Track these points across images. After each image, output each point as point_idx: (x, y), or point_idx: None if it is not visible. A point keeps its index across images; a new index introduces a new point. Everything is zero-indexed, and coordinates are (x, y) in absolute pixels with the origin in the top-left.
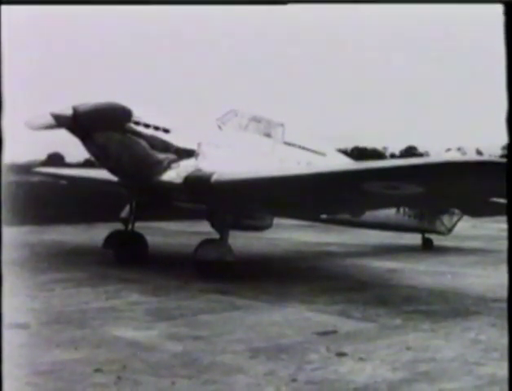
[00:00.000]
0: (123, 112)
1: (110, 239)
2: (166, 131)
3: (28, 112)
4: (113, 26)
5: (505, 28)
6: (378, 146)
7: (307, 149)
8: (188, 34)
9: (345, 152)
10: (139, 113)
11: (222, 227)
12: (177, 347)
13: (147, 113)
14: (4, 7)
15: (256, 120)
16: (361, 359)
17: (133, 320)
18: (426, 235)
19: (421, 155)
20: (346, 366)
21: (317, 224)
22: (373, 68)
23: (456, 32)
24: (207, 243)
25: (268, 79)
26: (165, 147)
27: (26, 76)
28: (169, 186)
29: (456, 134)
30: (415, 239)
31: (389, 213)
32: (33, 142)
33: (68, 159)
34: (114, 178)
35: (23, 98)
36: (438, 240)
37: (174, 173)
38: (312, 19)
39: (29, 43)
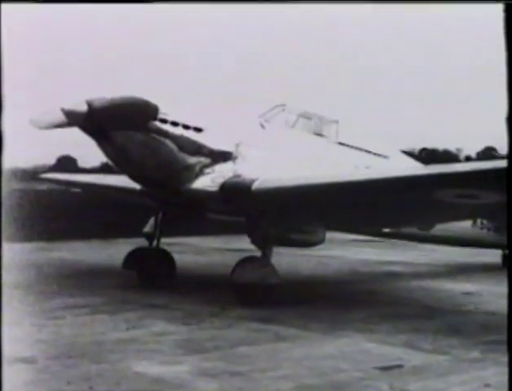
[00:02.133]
0: (147, 108)
1: (131, 258)
2: (198, 130)
3: (31, 112)
4: (116, 24)
5: (505, 28)
6: (451, 147)
7: (366, 151)
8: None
9: (411, 154)
10: (165, 109)
11: (265, 243)
12: (211, 385)
13: (175, 109)
14: (4, 7)
15: (306, 116)
16: None
17: (158, 353)
18: (507, 252)
19: (501, 157)
20: None
21: (378, 239)
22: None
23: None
24: (247, 262)
25: (320, 74)
26: (197, 148)
27: (26, 76)
28: (202, 194)
29: None
30: (494, 256)
31: (464, 226)
32: (40, 144)
33: (82, 163)
34: (136, 186)
35: (25, 98)
36: None
37: (208, 180)
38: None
39: (29, 43)
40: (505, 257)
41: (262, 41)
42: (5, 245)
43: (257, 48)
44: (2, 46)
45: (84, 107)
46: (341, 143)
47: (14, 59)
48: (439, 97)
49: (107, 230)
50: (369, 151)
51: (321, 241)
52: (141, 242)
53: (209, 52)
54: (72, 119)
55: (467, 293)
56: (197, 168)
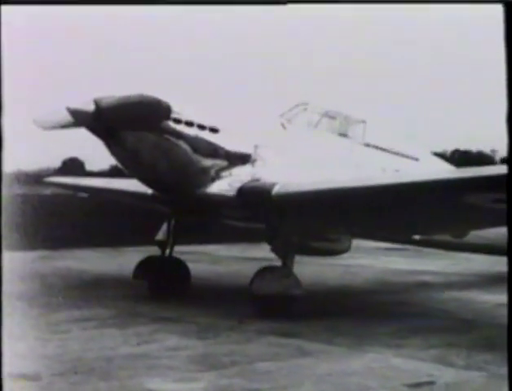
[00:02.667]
0: (159, 107)
1: (142, 268)
2: (214, 131)
3: (33, 112)
4: (116, 25)
5: (505, 28)
6: (485, 148)
7: (395, 152)
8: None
9: (443, 156)
10: (179, 108)
11: (286, 252)
12: None
13: (189, 108)
14: (4, 7)
15: (330, 116)
16: None
17: (172, 370)
18: None
19: None
20: None
21: (408, 247)
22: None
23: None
24: (266, 272)
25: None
26: (213, 150)
27: (27, 76)
28: (219, 199)
29: None
30: None
31: (500, 233)
32: (44, 146)
33: (89, 166)
34: (147, 190)
35: (26, 99)
36: None
37: (225, 184)
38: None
39: (29, 43)
40: None
41: (281, 39)
42: (6, 254)
43: (276, 46)
44: (2, 45)
45: (91, 107)
46: (367, 145)
47: (14, 59)
48: (470, 97)
49: (116, 238)
50: (398, 153)
51: (347, 249)
52: (153, 250)
53: (225, 50)
54: (79, 119)
55: (504, 305)
56: (213, 171)
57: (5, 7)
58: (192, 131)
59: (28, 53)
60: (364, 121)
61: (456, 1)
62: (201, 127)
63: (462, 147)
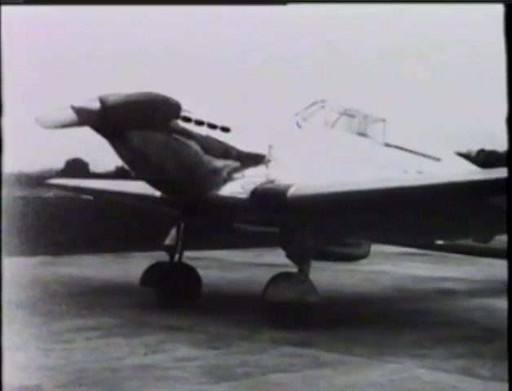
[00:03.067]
0: (167, 105)
1: (150, 274)
2: (226, 130)
3: (35, 111)
4: (117, 25)
5: (505, 28)
6: None
7: (417, 153)
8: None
9: (468, 157)
10: (188, 106)
11: (302, 257)
12: None
13: (199, 107)
14: (4, 7)
15: (349, 114)
16: None
17: (181, 381)
18: None
19: None
20: None
21: (430, 252)
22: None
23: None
24: (281, 278)
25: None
26: (225, 150)
27: (27, 76)
28: (231, 202)
29: None
30: None
31: None
32: (46, 146)
33: (94, 167)
34: (156, 193)
35: (26, 98)
36: None
37: (237, 186)
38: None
39: (30, 43)
40: None
41: (296, 36)
42: (6, 259)
43: (292, 42)
44: (2, 45)
45: (97, 104)
46: (388, 145)
47: (14, 59)
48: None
49: (122, 243)
50: (420, 154)
51: (365, 255)
52: (161, 256)
53: (238, 47)
54: (84, 117)
55: None
56: (225, 172)
57: (5, 7)
58: (203, 130)
59: (29, 53)
60: (384, 120)
61: (456, 1)
62: (212, 126)
63: (488, 147)
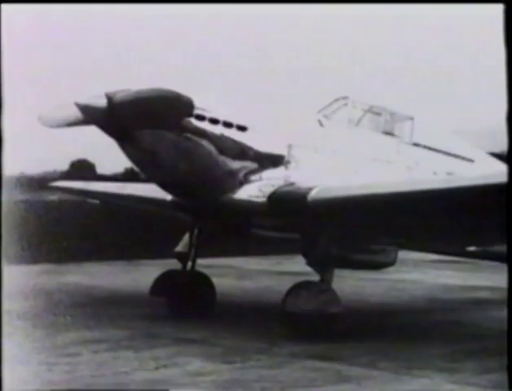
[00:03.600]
0: (179, 102)
1: (161, 283)
2: (242, 129)
3: (35, 110)
4: (117, 24)
5: (505, 28)
6: None
7: (447, 153)
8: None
9: (501, 157)
10: (202, 104)
11: (324, 265)
12: None
13: (214, 104)
14: (4, 7)
15: (374, 111)
16: None
17: None
18: None
19: None
20: None
21: (462, 259)
22: None
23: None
24: (302, 288)
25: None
26: (241, 151)
27: (27, 77)
28: (247, 206)
29: None
30: None
31: None
32: (50, 146)
33: (101, 169)
34: (167, 196)
35: (28, 97)
36: None
37: (255, 189)
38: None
39: (30, 43)
40: None
41: (317, 31)
42: (6, 268)
43: (312, 38)
44: (2, 46)
45: (103, 101)
46: (416, 144)
47: (14, 59)
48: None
49: (131, 250)
50: (450, 154)
51: (392, 262)
52: (173, 264)
53: (256, 42)
54: (90, 115)
55: None
56: (241, 174)
57: (5, 7)
58: (217, 129)
59: (29, 52)
60: (412, 118)
61: (456, 1)
62: (228, 124)
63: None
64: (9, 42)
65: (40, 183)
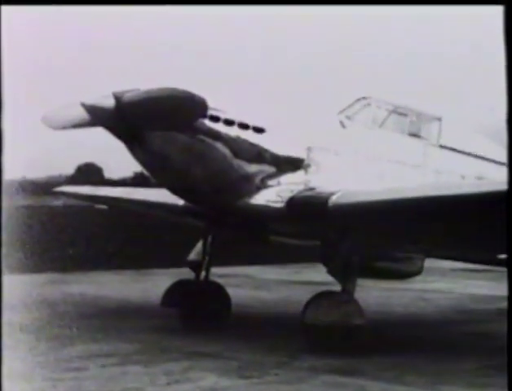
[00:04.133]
0: (192, 102)
1: (173, 293)
2: (259, 131)
3: (38, 111)
4: (116, 25)
5: (505, 29)
6: None
7: (477, 156)
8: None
9: None
10: (216, 104)
11: (346, 274)
12: None
13: (229, 104)
14: (4, 8)
15: (399, 112)
16: None
17: None
18: None
19: None
20: None
21: (492, 268)
22: None
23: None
24: (322, 298)
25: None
26: (258, 154)
27: (27, 77)
28: (265, 212)
29: None
30: None
31: None
32: (54, 149)
33: (109, 173)
34: (179, 202)
35: (29, 97)
36: None
37: (272, 194)
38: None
39: (30, 43)
40: None
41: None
42: (7, 277)
43: (335, 35)
44: (2, 45)
45: (111, 102)
46: (443, 147)
47: (14, 59)
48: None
49: (141, 259)
50: (481, 157)
51: (418, 271)
52: (185, 273)
53: (275, 42)
54: (96, 116)
55: None
56: (258, 178)
57: (5, 7)
58: (233, 131)
59: (29, 52)
60: (439, 119)
61: (456, 1)
62: (244, 126)
63: None
64: (9, 42)
65: (44, 188)
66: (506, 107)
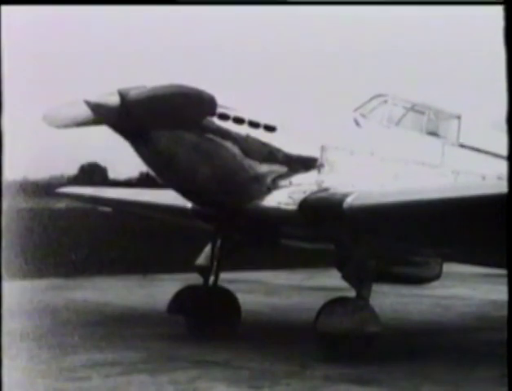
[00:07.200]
0: (200, 100)
1: (180, 300)
2: (270, 129)
3: (39, 109)
4: (116, 25)
5: (505, 29)
6: None
7: (498, 155)
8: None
9: None
10: (225, 101)
11: (361, 279)
12: None
13: (239, 102)
14: (4, 8)
15: (417, 110)
16: None
17: None
18: None
19: None
20: None
21: None
22: None
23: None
24: (336, 304)
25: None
26: (269, 153)
27: (27, 77)
28: (276, 214)
29: None
30: None
31: None
32: (56, 148)
33: (113, 173)
34: (186, 204)
35: (29, 97)
36: None
37: (284, 195)
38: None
39: (30, 43)
40: None
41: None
42: (7, 283)
43: (348, 33)
44: (2, 45)
45: (116, 99)
46: (463, 146)
47: (14, 59)
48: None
49: (146, 263)
50: (502, 156)
51: (436, 276)
52: (193, 278)
53: (288, 40)
54: (101, 114)
55: None
56: (269, 179)
57: (5, 7)
58: (243, 130)
59: (29, 52)
60: (459, 117)
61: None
62: (254, 124)
63: None
64: (9, 42)
65: (46, 189)
66: (506, 107)
